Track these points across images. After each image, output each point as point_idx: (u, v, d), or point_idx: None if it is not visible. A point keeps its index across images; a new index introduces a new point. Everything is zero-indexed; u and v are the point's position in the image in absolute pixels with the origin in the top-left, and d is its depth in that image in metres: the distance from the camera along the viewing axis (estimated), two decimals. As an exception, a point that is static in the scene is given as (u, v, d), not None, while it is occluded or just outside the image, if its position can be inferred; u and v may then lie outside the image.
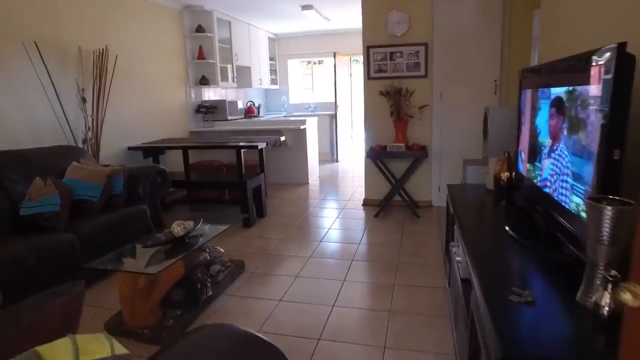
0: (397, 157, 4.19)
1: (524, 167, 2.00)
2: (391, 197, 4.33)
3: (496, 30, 3.98)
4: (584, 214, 1.23)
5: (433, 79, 4.25)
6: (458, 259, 1.95)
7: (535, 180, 1.78)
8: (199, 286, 2.53)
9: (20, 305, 0.86)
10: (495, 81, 4.07)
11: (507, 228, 1.83)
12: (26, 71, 3.33)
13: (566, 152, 1.42)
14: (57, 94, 3.57)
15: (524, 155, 1.99)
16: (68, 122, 3.69)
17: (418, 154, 4.08)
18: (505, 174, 2.33)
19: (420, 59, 4.26)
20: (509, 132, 2.84)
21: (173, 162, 5.12)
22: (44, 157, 3.18)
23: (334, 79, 7.40)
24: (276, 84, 8.39)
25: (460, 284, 1.87)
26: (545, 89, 1.64)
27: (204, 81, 5.73)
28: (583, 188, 1.24)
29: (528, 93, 1.92)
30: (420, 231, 3.76)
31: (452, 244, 2.38)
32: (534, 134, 1.81)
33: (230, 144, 4.31)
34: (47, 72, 3.46)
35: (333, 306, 2.49)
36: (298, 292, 2.68)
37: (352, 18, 6.81)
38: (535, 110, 1.79)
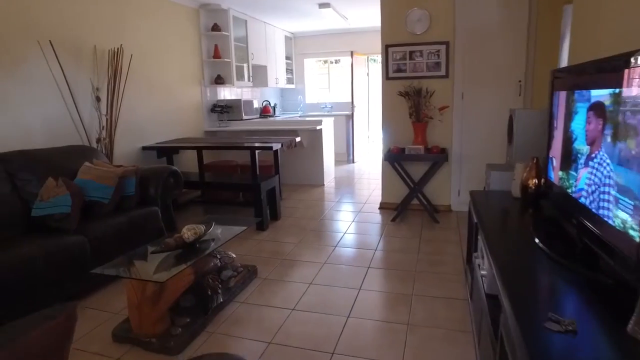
0: (416, 159, 4.05)
1: (555, 174, 1.86)
2: (409, 201, 4.20)
3: (521, 28, 3.80)
4: (632, 232, 1.09)
5: (454, 79, 4.10)
6: (483, 272, 1.82)
7: (569, 190, 1.64)
8: (209, 293, 2.45)
9: (1, 330, 0.78)
10: (520, 82, 3.90)
11: (536, 240, 1.70)
12: (41, 70, 3.31)
13: (608, 161, 1.28)
14: (71, 93, 3.54)
15: (555, 162, 1.85)
16: (82, 122, 3.66)
17: (438, 157, 3.94)
18: (533, 181, 2.19)
19: (441, 58, 4.11)
20: (536, 136, 2.69)
21: (187, 162, 5.08)
22: (57, 157, 3.14)
23: (351, 79, 7.28)
24: (292, 84, 8.31)
25: (485, 299, 1.74)
26: (584, 91, 1.50)
27: (219, 80, 5.68)
28: (632, 203, 1.11)
29: (561, 95, 1.77)
30: (439, 237, 3.62)
31: (475, 254, 2.24)
32: (568, 139, 1.67)
33: (245, 144, 4.24)
34: (62, 71, 3.44)
35: (348, 317, 2.38)
36: (312, 300, 2.58)
37: (370, 16, 6.68)
38: (570, 113, 1.65)
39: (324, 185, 5.80)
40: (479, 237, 2.15)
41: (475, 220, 2.22)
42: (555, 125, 1.86)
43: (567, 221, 1.65)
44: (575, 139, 1.58)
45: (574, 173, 1.60)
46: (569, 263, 1.44)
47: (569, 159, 1.64)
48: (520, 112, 2.75)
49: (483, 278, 1.83)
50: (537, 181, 2.17)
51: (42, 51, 3.30)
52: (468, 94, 4.10)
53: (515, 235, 1.90)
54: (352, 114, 7.39)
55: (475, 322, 2.08)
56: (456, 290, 2.65)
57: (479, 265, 2.04)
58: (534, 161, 2.19)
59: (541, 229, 1.89)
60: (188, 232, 2.33)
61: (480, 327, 1.86)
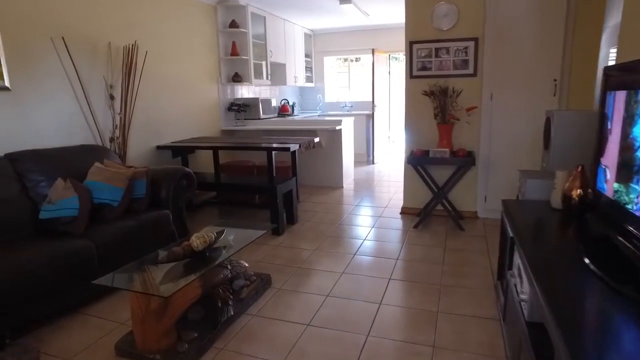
0: (441, 163, 3.82)
1: (609, 186, 1.63)
2: (432, 206, 3.97)
3: (558, 22, 3.52)
4: None
5: (483, 78, 3.85)
6: (523, 297, 1.61)
7: (629, 206, 1.42)
8: (219, 304, 2.30)
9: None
10: (555, 81, 3.63)
11: (587, 261, 1.48)
12: (54, 67, 3.22)
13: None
14: (84, 91, 3.45)
15: (609, 172, 1.62)
16: (95, 120, 3.57)
17: (464, 161, 3.69)
18: (578, 191, 1.96)
19: (469, 55, 3.87)
20: (578, 141, 2.46)
21: (203, 162, 4.97)
22: (68, 156, 3.05)
23: (371, 77, 7.07)
24: (311, 82, 8.14)
25: (525, 328, 1.53)
26: (652, 92, 1.28)
27: (236, 78, 5.55)
28: None
29: (619, 95, 1.54)
30: (464, 246, 3.39)
31: (509, 272, 2.02)
32: (628, 147, 1.44)
33: (262, 145, 4.08)
34: (75, 68, 3.34)
35: (368, 335, 2.19)
36: (329, 315, 2.40)
37: (392, 13, 6.45)
38: (631, 116, 1.43)
39: (342, 187, 5.61)
40: (515, 253, 1.93)
41: (511, 234, 2.00)
42: (609, 129, 1.63)
43: (624, 240, 1.42)
44: (639, 147, 1.36)
45: (635, 186, 1.37)
46: (630, 290, 1.22)
47: (630, 170, 1.42)
48: (560, 114, 2.51)
49: (522, 303, 1.61)
50: (582, 192, 1.94)
51: (54, 48, 3.21)
52: (497, 94, 3.85)
53: (561, 254, 1.68)
54: (373, 113, 7.17)
55: (510, 350, 1.87)
56: (486, 307, 2.43)
57: (515, 286, 1.83)
58: (579, 169, 1.96)
59: (590, 247, 1.66)
60: (197, 240, 2.17)
61: (518, 358, 1.65)
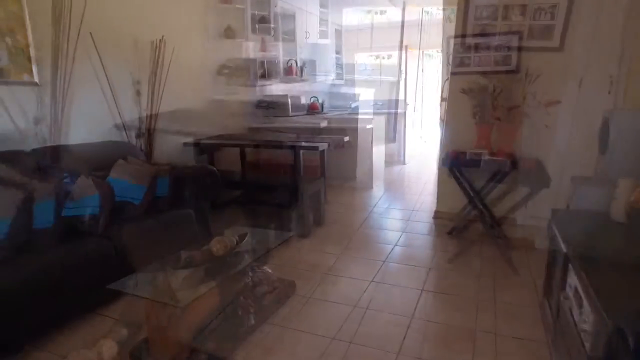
0: (479, 166, 3.54)
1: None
2: (468, 212, 3.71)
3: (615, 9, 3.18)
4: None
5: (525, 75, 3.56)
6: (584, 327, 1.39)
7: None
8: (239, 313, 2.17)
9: None
10: (611, 77, 3.30)
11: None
12: (81, 63, 3.16)
13: None
14: (111, 87, 3.40)
15: (692, 184, 1.38)
16: (121, 116, 3.51)
17: (505, 164, 3.41)
18: (646, 203, 1.71)
19: (512, 50, 3.59)
20: (643, 144, 2.18)
21: (230, 160, 4.86)
22: (93, 153, 3.02)
23: (404, 75, 6.82)
24: (342, 79, 7.94)
25: (587, 363, 1.31)
26: None
27: (265, 75, 5.43)
28: None
29: None
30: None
31: (562, 294, 1.79)
32: None
33: (289, 144, 3.94)
34: (102, 64, 3.29)
35: (398, 354, 2.01)
36: (356, 329, 2.23)
37: (426, 7, 6.18)
38: None
39: (372, 188, 5.40)
40: (569, 272, 1.70)
41: (565, 250, 1.76)
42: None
43: None
44: None
45: None
46: None
47: None
48: (622, 114, 2.25)
49: (583, 333, 1.39)
50: (651, 204, 1.69)
51: (82, 43, 3.15)
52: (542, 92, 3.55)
53: (633, 279, 1.44)
54: (405, 112, 6.92)
55: (563, 382, 1.64)
56: (530, 327, 2.19)
57: (570, 311, 1.60)
58: (649, 178, 1.71)
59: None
60: (217, 244, 2.05)
61: (575, 395, 1.43)
